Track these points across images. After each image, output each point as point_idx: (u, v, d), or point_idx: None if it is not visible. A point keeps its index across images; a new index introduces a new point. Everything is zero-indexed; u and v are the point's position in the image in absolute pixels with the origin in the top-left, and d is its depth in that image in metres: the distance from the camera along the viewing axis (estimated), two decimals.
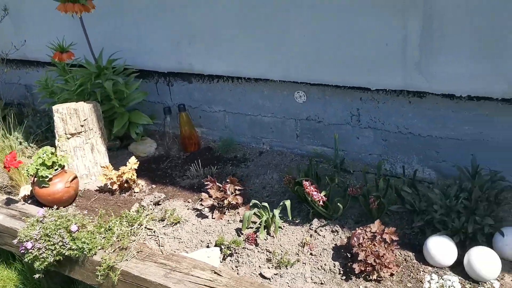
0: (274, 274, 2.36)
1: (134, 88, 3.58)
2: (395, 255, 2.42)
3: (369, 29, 2.75)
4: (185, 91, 3.83)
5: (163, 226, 2.80)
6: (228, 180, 2.85)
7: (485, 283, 2.09)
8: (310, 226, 2.68)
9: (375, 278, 2.27)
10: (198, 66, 3.54)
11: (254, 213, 2.68)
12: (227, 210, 2.89)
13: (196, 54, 3.50)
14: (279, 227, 2.69)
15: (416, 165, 3.07)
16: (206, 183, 2.87)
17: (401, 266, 2.37)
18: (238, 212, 2.86)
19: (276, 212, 2.63)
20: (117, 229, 2.65)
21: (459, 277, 2.24)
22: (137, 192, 3.20)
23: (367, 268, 2.27)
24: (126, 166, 3.16)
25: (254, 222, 2.70)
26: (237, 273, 2.40)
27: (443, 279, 2.07)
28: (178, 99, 3.88)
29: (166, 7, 3.46)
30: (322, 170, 3.20)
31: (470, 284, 2.18)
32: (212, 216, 2.86)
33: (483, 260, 2.18)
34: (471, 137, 2.81)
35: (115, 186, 3.16)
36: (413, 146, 3.03)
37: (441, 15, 2.50)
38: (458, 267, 2.30)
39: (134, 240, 2.64)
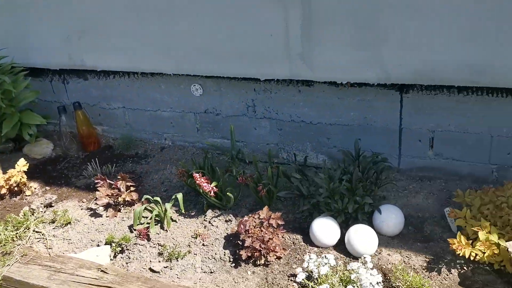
0: (164, 267, 2.35)
1: (22, 87, 3.41)
2: (284, 239, 2.51)
3: (256, 21, 2.80)
4: (82, 89, 3.70)
5: (53, 228, 2.70)
6: (119, 177, 2.80)
7: (360, 258, 2.20)
8: (204, 217, 2.69)
9: (263, 262, 2.33)
10: (90, 62, 3.44)
11: (146, 208, 2.65)
12: (122, 207, 2.84)
13: (87, 50, 3.39)
14: (174, 221, 2.69)
15: (311, 152, 3.18)
16: (96, 181, 2.80)
17: (289, 249, 2.44)
18: (134, 209, 2.82)
19: (168, 205, 2.62)
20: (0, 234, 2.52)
21: (341, 255, 2.35)
22: (29, 195, 3.06)
23: (255, 253, 2.32)
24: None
25: (149, 218, 2.67)
26: (127, 269, 2.36)
27: (321, 258, 2.15)
28: (75, 97, 3.74)
29: (53, 1, 3.32)
30: (221, 162, 3.23)
31: (346, 259, 2.30)
32: (106, 214, 2.79)
33: (360, 237, 2.30)
34: (357, 122, 2.95)
35: (4, 190, 3.00)
36: (306, 133, 3.13)
37: (318, 6, 2.60)
38: (341, 246, 2.41)
39: (19, 244, 2.52)
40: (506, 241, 2.03)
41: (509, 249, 1.93)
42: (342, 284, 1.99)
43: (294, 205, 2.75)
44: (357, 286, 1.95)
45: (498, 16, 2.27)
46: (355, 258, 2.31)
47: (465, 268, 2.18)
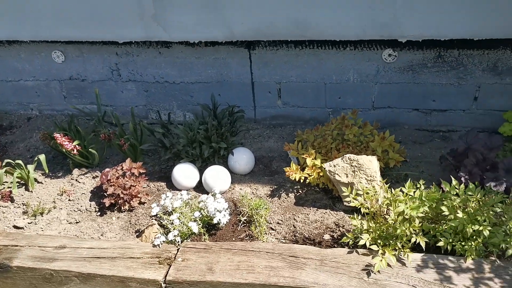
0: (28, 223, 2.48)
1: None
2: (149, 187, 2.74)
3: None
4: None
5: None
6: None
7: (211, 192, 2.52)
8: (71, 176, 2.83)
9: (127, 208, 2.55)
10: None
11: (8, 172, 2.72)
12: None
13: None
14: (40, 182, 2.79)
15: (177, 110, 3.42)
16: None
17: (154, 195, 2.69)
18: None
19: (31, 167, 2.71)
20: None
21: (199, 194, 2.65)
22: None
23: (118, 200, 2.53)
24: None
25: (11, 182, 2.73)
26: None
27: (176, 195, 2.44)
28: None
29: None
30: (90, 127, 3.34)
31: (199, 194, 2.61)
32: None
33: (214, 175, 2.62)
34: (215, 79, 3.24)
35: None
36: (171, 93, 3.36)
37: None
38: (201, 187, 2.71)
39: None
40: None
41: (326, 168, 2.37)
42: (192, 212, 2.29)
43: (160, 158, 2.98)
44: (205, 212, 2.26)
45: None
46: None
47: (300, 191, 2.60)
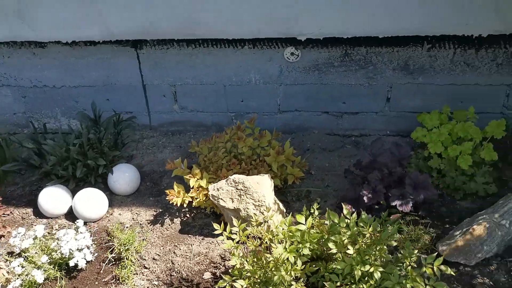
0: None
1: None
2: (13, 215, 2.34)
3: None
4: None
5: None
6: None
7: (78, 222, 2.13)
8: None
9: None
10: None
11: None
12: None
13: None
14: None
15: (62, 117, 3.00)
16: None
17: (17, 224, 2.28)
18: None
19: None
20: None
21: (70, 222, 2.26)
22: None
23: None
24: None
25: None
26: None
27: (30, 231, 2.04)
28: None
29: None
30: None
31: (70, 223, 2.22)
32: None
33: (84, 201, 2.24)
34: (102, 82, 2.84)
35: None
36: (53, 99, 2.94)
37: None
38: (73, 213, 2.31)
39: None
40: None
41: (210, 192, 2.03)
42: (44, 253, 1.90)
43: (29, 178, 2.57)
44: (57, 254, 1.88)
45: None
46: (85, 223, 2.24)
47: (188, 215, 2.27)
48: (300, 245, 1.65)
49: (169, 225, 2.22)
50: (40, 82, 2.88)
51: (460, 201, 2.20)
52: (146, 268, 1.99)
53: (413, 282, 1.53)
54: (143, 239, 2.06)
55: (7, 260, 1.94)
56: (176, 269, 1.97)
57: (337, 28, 2.36)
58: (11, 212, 2.34)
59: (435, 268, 1.52)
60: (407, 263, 1.60)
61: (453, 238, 1.92)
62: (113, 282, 1.91)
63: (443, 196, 2.25)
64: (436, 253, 1.62)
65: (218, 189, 2.01)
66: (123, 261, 1.96)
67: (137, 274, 1.94)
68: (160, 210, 2.32)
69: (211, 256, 2.01)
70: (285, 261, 1.60)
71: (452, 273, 1.54)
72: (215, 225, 1.73)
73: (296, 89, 2.69)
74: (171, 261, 2.01)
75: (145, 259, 2.02)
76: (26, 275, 1.80)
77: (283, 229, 1.69)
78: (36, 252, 1.90)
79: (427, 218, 2.10)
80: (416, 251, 1.61)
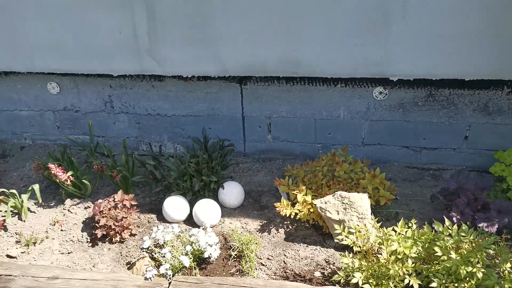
0: (21, 253, 2.47)
1: None
2: (140, 218, 2.75)
3: (103, 20, 2.99)
4: None
5: None
6: None
7: (202, 226, 2.53)
8: (63, 206, 2.83)
9: (118, 239, 2.55)
10: None
11: (2, 201, 2.72)
12: None
13: None
14: (32, 212, 2.78)
15: (168, 142, 3.46)
16: None
17: (145, 226, 2.69)
18: None
19: (25, 196, 2.72)
20: None
21: (189, 227, 2.66)
22: None
23: (110, 232, 2.53)
24: None
25: (5, 211, 2.73)
26: None
27: (167, 228, 2.45)
28: None
29: None
30: (82, 157, 3.36)
31: (190, 228, 2.62)
32: None
33: (204, 209, 2.63)
34: (206, 113, 3.29)
35: None
36: (163, 126, 3.40)
37: (160, 8, 2.89)
38: (191, 220, 2.72)
39: None
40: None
41: (317, 205, 2.40)
42: (183, 245, 2.30)
43: (151, 189, 3.00)
44: (196, 246, 2.27)
45: (300, 18, 2.74)
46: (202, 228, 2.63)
47: (290, 227, 2.62)
48: (408, 248, 1.98)
49: (275, 233, 2.58)
50: (154, 111, 3.37)
51: None
52: (263, 265, 2.34)
53: (510, 283, 1.82)
54: (255, 243, 2.42)
55: (152, 250, 2.34)
56: (289, 268, 2.31)
57: (427, 70, 2.71)
58: (138, 216, 2.76)
59: None
60: (504, 267, 1.90)
61: None
62: (237, 274, 2.27)
63: None
64: None
65: (325, 202, 2.37)
66: (244, 258, 2.32)
67: (256, 269, 2.30)
68: (265, 221, 2.68)
69: (317, 260, 2.35)
70: (397, 259, 1.93)
71: None
72: (336, 226, 2.09)
73: (380, 124, 3.06)
74: (283, 261, 2.36)
75: (261, 258, 2.38)
76: (174, 260, 2.19)
77: (395, 231, 2.04)
78: (174, 245, 2.29)
79: (510, 240, 2.37)
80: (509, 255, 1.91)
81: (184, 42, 2.95)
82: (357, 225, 2.25)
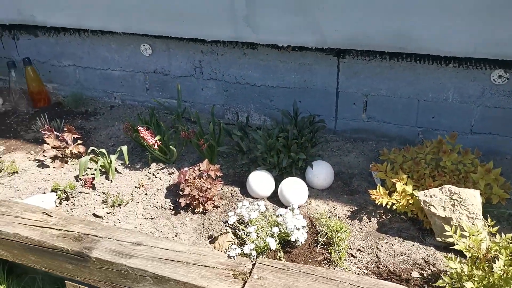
0: (107, 213, 2.48)
1: None
2: (223, 190, 2.66)
3: None
4: (33, 45, 3.69)
5: (0, 177, 2.76)
6: (65, 129, 2.86)
7: (289, 206, 2.38)
8: (148, 170, 2.81)
9: (201, 210, 2.48)
10: (40, 18, 3.43)
11: (92, 159, 2.75)
12: (69, 160, 2.92)
13: (37, 4, 3.38)
14: (119, 172, 2.80)
15: (254, 113, 3.33)
16: (43, 132, 2.85)
17: (227, 199, 2.60)
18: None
19: (113, 157, 2.72)
20: None
21: (273, 205, 2.52)
22: None
23: (193, 201, 2.47)
24: None
25: (94, 169, 2.76)
26: (71, 215, 2.47)
27: (253, 205, 2.33)
28: (26, 54, 3.73)
29: None
30: (168, 121, 3.33)
31: (275, 207, 2.48)
32: (53, 165, 2.87)
33: (291, 188, 2.48)
34: (298, 85, 3.11)
35: None
36: (250, 95, 3.27)
37: None
38: (275, 197, 2.58)
39: None
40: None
41: (420, 198, 2.16)
42: (269, 226, 2.17)
43: (235, 161, 2.90)
44: (283, 228, 2.13)
45: None
46: (285, 206, 2.49)
47: (383, 217, 2.40)
48: None
49: (367, 222, 2.38)
50: (243, 80, 3.23)
51: None
52: (353, 256, 2.16)
53: None
54: (346, 231, 2.23)
55: (235, 226, 2.24)
56: (382, 263, 2.11)
57: None
58: (221, 188, 2.66)
59: None
60: None
61: None
62: (325, 263, 2.11)
63: None
64: None
65: (430, 196, 2.12)
66: (332, 246, 2.15)
67: (346, 260, 2.12)
68: (355, 207, 2.48)
69: (414, 258, 2.12)
70: None
71: None
72: (446, 227, 1.85)
73: (495, 112, 2.71)
74: (375, 254, 2.16)
75: (351, 249, 2.19)
76: (259, 241, 2.07)
77: None
78: (259, 224, 2.16)
79: None
80: None
81: (283, 9, 2.76)
82: (468, 225, 1.98)
